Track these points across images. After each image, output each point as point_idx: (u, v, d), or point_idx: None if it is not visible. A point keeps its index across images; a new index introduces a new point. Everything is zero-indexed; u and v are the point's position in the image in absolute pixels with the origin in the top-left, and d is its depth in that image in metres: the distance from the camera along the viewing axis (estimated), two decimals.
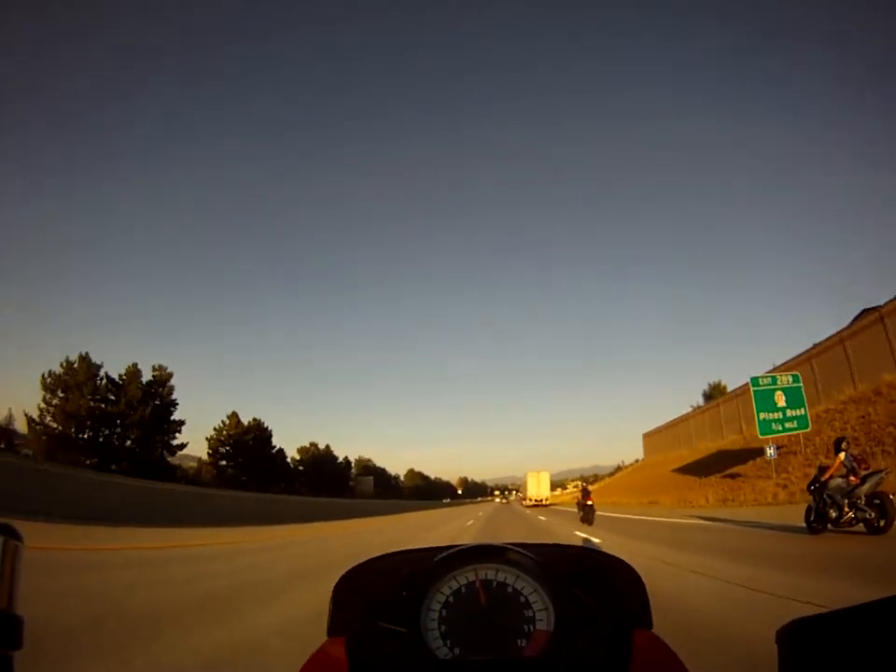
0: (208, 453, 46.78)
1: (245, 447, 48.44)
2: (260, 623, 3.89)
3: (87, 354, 36.58)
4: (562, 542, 0.97)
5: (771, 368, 37.09)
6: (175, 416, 39.45)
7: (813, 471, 9.12)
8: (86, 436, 35.21)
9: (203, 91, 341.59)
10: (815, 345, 33.31)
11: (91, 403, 35.67)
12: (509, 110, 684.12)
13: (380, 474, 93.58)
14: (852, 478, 7.76)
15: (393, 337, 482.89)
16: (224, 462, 47.64)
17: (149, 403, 36.50)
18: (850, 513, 7.60)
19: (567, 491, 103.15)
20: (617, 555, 0.87)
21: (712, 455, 37.24)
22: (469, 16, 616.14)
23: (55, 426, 34.86)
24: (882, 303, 26.03)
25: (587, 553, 0.90)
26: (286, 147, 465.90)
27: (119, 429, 36.56)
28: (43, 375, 35.43)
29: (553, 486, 69.53)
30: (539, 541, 0.95)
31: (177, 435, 39.07)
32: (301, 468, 63.39)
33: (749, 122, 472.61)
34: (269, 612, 4.32)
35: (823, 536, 7.88)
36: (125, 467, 36.26)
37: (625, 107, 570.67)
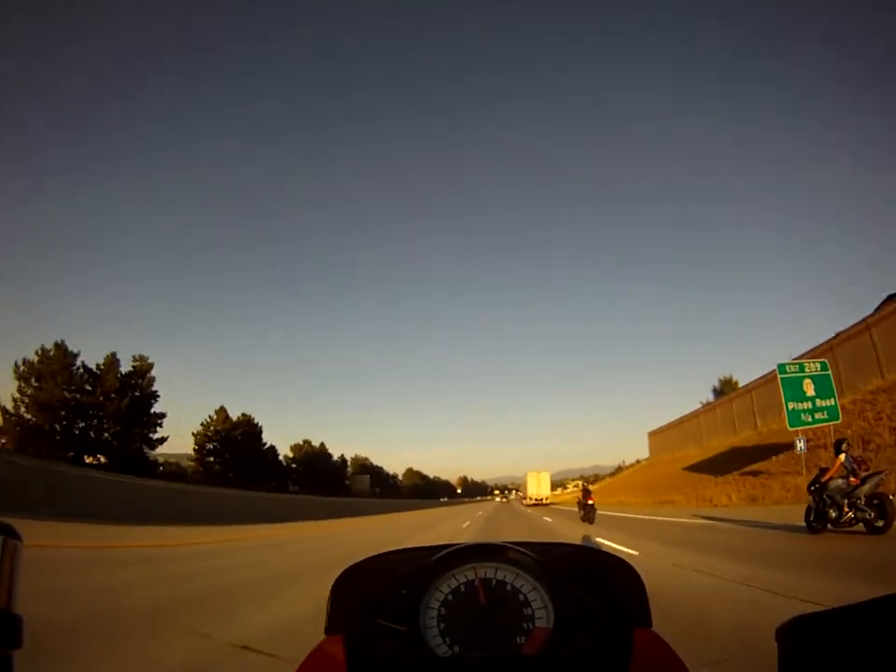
0: (194, 449, 44.62)
1: (234, 443, 46.31)
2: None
3: (63, 341, 34.54)
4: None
5: (784, 361, 35.12)
6: (159, 410, 37.38)
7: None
8: (60, 427, 33.11)
9: (203, 90, 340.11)
10: (837, 334, 31.21)
11: (67, 394, 33.60)
12: (509, 110, 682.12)
13: (377, 473, 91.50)
14: (852, 479, 7.80)
15: (393, 336, 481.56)
16: (211, 459, 45.47)
17: (127, 394, 34.32)
18: (850, 513, 7.65)
19: (568, 491, 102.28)
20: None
21: (726, 452, 35.14)
22: (468, 16, 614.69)
23: (29, 417, 32.84)
24: None
25: (586, 552, 0.88)
26: (286, 147, 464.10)
27: (95, 421, 34.46)
28: (16, 363, 33.41)
29: (554, 486, 68.17)
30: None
31: (158, 429, 36.92)
32: (294, 466, 61.35)
33: (748, 122, 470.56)
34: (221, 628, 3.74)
35: (823, 536, 7.90)
36: (102, 461, 34.28)
37: (625, 107, 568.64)
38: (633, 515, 18.90)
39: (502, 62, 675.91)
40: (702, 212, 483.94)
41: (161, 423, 36.91)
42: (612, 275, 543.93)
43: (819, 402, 21.52)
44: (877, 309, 29.82)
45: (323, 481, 61.04)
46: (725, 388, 48.61)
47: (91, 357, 35.95)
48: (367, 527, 18.87)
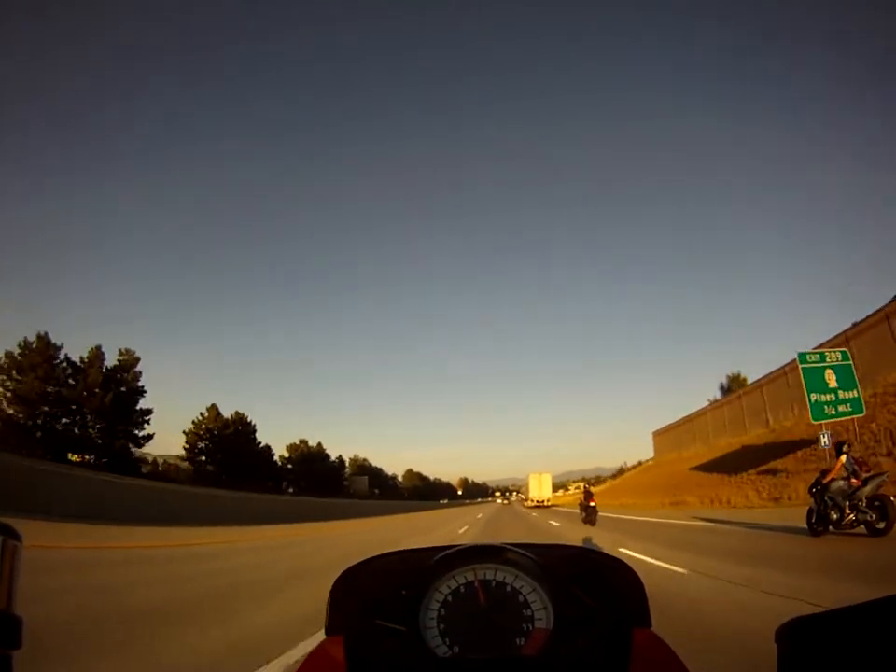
0: (184, 447, 43.06)
1: (227, 443, 44.82)
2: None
3: (45, 333, 33.16)
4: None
5: (786, 362, 33.63)
6: (146, 406, 35.93)
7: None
8: (41, 423, 31.69)
9: (203, 90, 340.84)
10: (854, 325, 29.73)
11: (49, 389, 32.22)
12: (509, 110, 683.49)
13: (376, 474, 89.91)
14: (853, 480, 7.80)
15: (392, 336, 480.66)
16: (203, 458, 43.96)
17: (111, 389, 32.89)
18: (851, 515, 7.64)
19: (569, 492, 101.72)
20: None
21: (737, 450, 33.68)
22: (469, 16, 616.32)
23: (10, 411, 31.46)
24: None
25: (586, 553, 0.89)
26: (286, 147, 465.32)
27: (78, 417, 33.03)
28: None
29: (555, 488, 67.21)
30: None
31: (146, 426, 35.45)
32: (290, 466, 59.84)
33: (748, 122, 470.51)
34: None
35: (824, 537, 7.90)
36: (87, 459, 32.84)
37: (625, 107, 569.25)
38: (650, 519, 17.70)
39: (502, 62, 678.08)
40: (702, 212, 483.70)
41: (149, 420, 35.49)
42: (612, 275, 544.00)
43: (841, 394, 20.08)
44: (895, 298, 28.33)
45: (320, 482, 59.59)
46: (733, 385, 47.03)
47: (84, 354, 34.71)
48: (349, 532, 17.57)
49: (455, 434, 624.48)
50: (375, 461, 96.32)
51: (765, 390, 35.64)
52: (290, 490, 58.04)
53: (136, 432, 34.72)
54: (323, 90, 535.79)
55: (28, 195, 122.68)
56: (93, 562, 7.18)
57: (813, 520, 8.26)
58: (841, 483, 7.92)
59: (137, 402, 34.96)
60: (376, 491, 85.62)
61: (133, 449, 35.47)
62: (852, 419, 20.31)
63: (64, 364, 33.73)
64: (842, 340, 30.33)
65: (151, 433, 34.99)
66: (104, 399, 32.07)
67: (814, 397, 19.86)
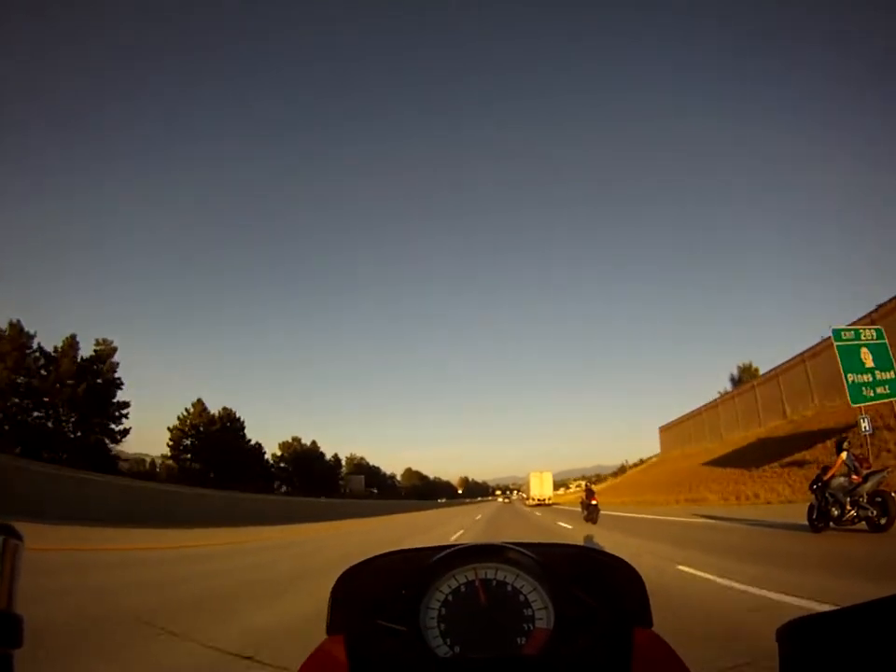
0: (168, 444, 40.99)
1: (213, 439, 42.78)
2: None
3: (18, 321, 31.20)
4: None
5: (805, 348, 31.66)
6: (124, 400, 33.89)
7: None
8: (10, 415, 29.65)
9: (203, 90, 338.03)
10: (879, 306, 27.72)
11: (19, 379, 30.22)
12: (509, 110, 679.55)
13: (373, 473, 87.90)
14: (854, 477, 7.79)
15: (392, 336, 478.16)
16: (188, 456, 41.91)
17: (84, 380, 30.85)
18: (853, 511, 7.61)
19: (570, 491, 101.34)
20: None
21: (753, 443, 31.63)
22: (468, 16, 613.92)
23: None
24: None
25: (586, 552, 0.89)
26: (286, 147, 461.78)
27: (50, 410, 31.01)
28: None
29: (556, 486, 66.44)
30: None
31: (124, 420, 33.41)
32: (282, 465, 57.83)
33: (748, 122, 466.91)
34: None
35: (825, 534, 7.88)
36: (59, 455, 30.78)
37: (625, 107, 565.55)
38: (672, 518, 16.03)
39: (502, 62, 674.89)
40: (702, 212, 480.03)
41: (126, 414, 33.46)
42: (612, 275, 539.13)
43: (878, 375, 18.07)
44: None
45: (314, 481, 57.61)
46: (745, 376, 44.88)
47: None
48: (332, 535, 15.95)
49: (456, 434, 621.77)
50: (376, 461, 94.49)
51: (782, 379, 33.58)
52: (283, 489, 56.21)
53: (112, 426, 32.68)
54: (323, 90, 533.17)
55: (28, 195, 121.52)
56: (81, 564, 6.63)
57: (814, 516, 8.22)
58: (842, 479, 7.89)
59: (114, 395, 32.96)
60: (374, 490, 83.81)
61: (111, 445, 33.47)
62: (890, 402, 18.33)
63: (37, 354, 31.81)
64: (867, 322, 28.39)
65: (128, 427, 32.97)
66: (76, 389, 30.04)
67: (851, 377, 17.79)
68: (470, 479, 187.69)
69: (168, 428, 41.33)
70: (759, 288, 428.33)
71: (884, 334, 19.29)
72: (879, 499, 7.36)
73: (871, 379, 17.86)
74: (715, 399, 44.41)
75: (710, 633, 3.07)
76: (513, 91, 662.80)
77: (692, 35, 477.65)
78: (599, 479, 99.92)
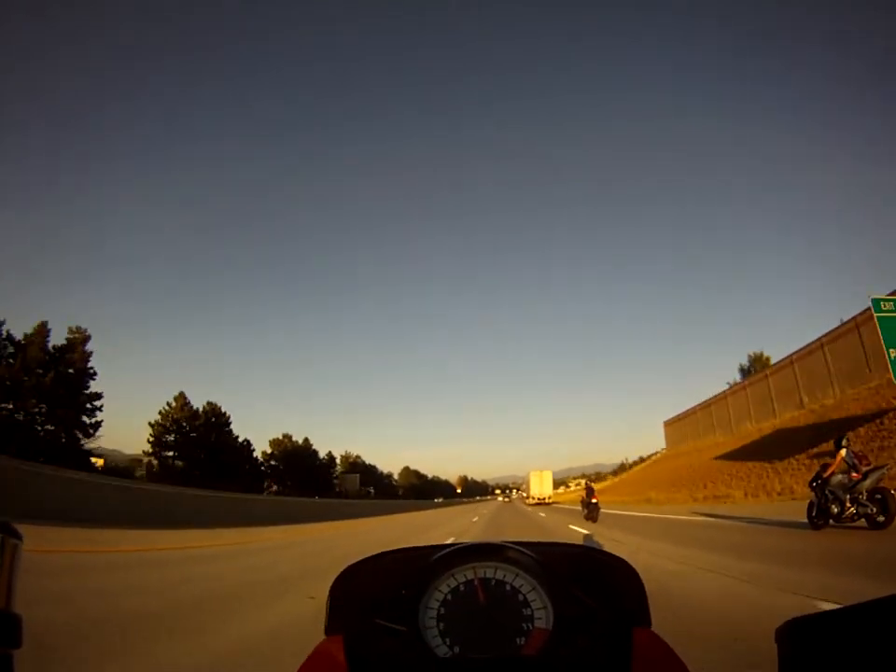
0: (149, 440, 38.78)
1: (198, 436, 40.66)
2: None
3: None
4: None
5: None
6: (97, 391, 31.72)
7: None
8: None
9: (203, 90, 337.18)
10: None
11: None
12: (509, 110, 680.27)
13: (369, 472, 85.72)
14: (854, 474, 7.81)
15: (393, 337, 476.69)
16: (170, 453, 39.75)
17: (52, 369, 28.70)
18: (852, 509, 7.66)
19: (570, 489, 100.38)
20: None
21: (769, 435, 29.63)
22: (469, 16, 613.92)
23: None
24: None
25: (586, 552, 0.89)
26: (286, 147, 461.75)
27: (19, 402, 28.83)
28: None
29: (555, 485, 65.55)
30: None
31: (98, 413, 31.27)
32: (273, 463, 55.68)
33: (749, 122, 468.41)
34: None
35: (825, 531, 7.90)
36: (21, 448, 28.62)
37: (625, 107, 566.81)
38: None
39: (502, 62, 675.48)
40: (702, 212, 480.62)
41: (100, 406, 31.31)
42: (612, 275, 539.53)
43: None
44: None
45: (307, 480, 55.53)
46: (756, 366, 42.85)
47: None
48: (304, 540, 14.31)
49: (455, 433, 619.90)
50: (375, 461, 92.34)
51: (798, 367, 31.60)
52: (273, 488, 54.11)
53: (84, 419, 30.52)
54: (323, 90, 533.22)
55: (27, 194, 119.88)
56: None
57: (814, 513, 8.28)
58: (841, 476, 7.92)
59: (86, 385, 30.82)
60: (371, 490, 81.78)
61: (84, 440, 31.31)
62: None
63: (5, 340, 29.67)
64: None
65: (100, 420, 30.79)
66: (42, 378, 27.90)
67: (893, 352, 15.95)
68: (470, 478, 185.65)
69: (149, 424, 39.18)
70: (758, 288, 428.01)
71: None
72: (879, 496, 7.37)
73: None
74: (724, 391, 42.36)
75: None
76: (513, 90, 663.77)
77: (692, 35, 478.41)
78: (599, 477, 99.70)
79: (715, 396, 43.43)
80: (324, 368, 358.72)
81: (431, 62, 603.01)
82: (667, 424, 55.91)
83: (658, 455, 59.54)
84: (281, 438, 57.50)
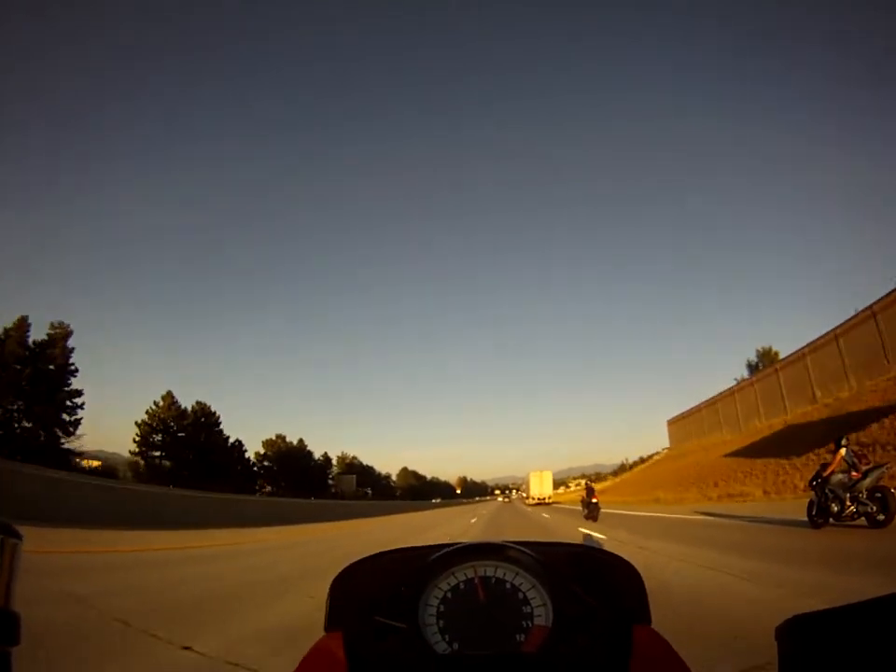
0: (135, 440, 37.40)
1: (186, 436, 39.30)
2: None
3: None
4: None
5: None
6: (77, 388, 30.35)
7: None
8: None
9: (203, 90, 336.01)
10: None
11: None
12: (509, 110, 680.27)
13: (367, 473, 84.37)
14: (854, 473, 7.83)
15: (392, 337, 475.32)
16: (157, 453, 38.38)
17: (30, 365, 27.36)
18: (852, 507, 7.70)
19: (570, 489, 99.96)
20: None
21: (781, 431, 28.43)
22: (469, 16, 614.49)
23: None
24: None
25: (585, 550, 0.89)
26: (286, 146, 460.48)
27: None
28: None
29: (555, 485, 64.87)
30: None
31: (79, 411, 29.92)
32: (266, 464, 54.33)
33: (748, 122, 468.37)
34: None
35: (825, 530, 7.93)
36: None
37: (625, 107, 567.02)
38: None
39: (502, 62, 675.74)
40: (702, 212, 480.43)
41: (82, 404, 29.97)
42: (612, 275, 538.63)
43: None
44: None
45: (302, 481, 54.19)
46: (764, 361, 41.68)
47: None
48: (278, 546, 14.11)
49: (455, 434, 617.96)
50: (374, 463, 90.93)
51: (810, 360, 30.45)
52: (267, 489, 52.79)
53: (65, 416, 29.16)
54: (323, 90, 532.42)
55: (27, 194, 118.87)
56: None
57: (814, 512, 8.32)
58: (841, 475, 7.92)
59: (67, 382, 29.48)
60: (368, 491, 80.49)
61: (65, 439, 29.94)
62: None
63: None
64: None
65: (80, 418, 29.43)
66: (19, 374, 26.56)
67: None
68: (469, 479, 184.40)
69: (136, 423, 37.82)
70: (758, 288, 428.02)
71: None
72: (879, 495, 7.39)
73: None
74: (731, 388, 41.18)
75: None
76: (513, 90, 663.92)
77: (692, 35, 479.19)
78: (599, 477, 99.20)
79: (721, 393, 42.25)
80: (322, 368, 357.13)
81: (431, 62, 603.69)
82: (671, 422, 54.75)
83: (660, 454, 58.42)
84: (274, 438, 56.17)
